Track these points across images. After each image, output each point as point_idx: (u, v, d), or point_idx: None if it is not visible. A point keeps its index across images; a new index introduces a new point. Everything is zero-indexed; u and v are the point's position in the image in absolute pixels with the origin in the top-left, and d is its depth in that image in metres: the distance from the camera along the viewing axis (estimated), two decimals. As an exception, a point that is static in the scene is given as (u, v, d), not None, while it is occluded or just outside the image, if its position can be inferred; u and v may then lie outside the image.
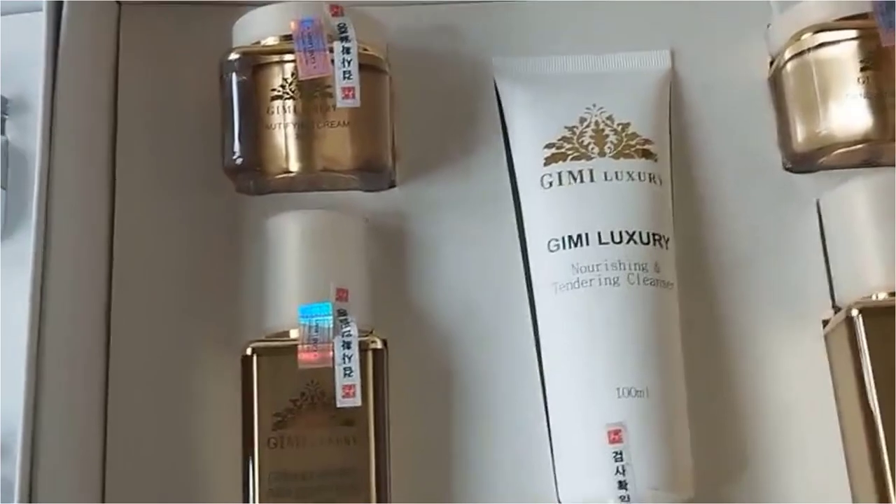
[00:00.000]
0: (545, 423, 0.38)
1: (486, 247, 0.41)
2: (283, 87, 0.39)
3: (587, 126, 0.41)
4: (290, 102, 0.39)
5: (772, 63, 0.43)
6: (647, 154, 0.41)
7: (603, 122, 0.41)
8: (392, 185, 0.42)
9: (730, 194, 0.42)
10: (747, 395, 0.39)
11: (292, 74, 0.38)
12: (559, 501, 0.38)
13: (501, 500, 0.38)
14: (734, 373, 0.40)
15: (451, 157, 0.42)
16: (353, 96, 0.38)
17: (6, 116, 0.40)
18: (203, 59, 0.42)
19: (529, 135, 0.41)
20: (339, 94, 0.38)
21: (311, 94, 0.38)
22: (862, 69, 0.39)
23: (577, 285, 0.38)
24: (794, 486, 0.38)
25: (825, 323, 0.40)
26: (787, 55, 0.41)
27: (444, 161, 0.42)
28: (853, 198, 0.39)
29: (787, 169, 0.42)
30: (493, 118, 0.43)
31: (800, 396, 0.39)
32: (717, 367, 0.40)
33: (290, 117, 0.39)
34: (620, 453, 0.36)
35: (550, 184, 0.40)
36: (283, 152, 0.39)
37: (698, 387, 0.39)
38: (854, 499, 0.38)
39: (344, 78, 0.38)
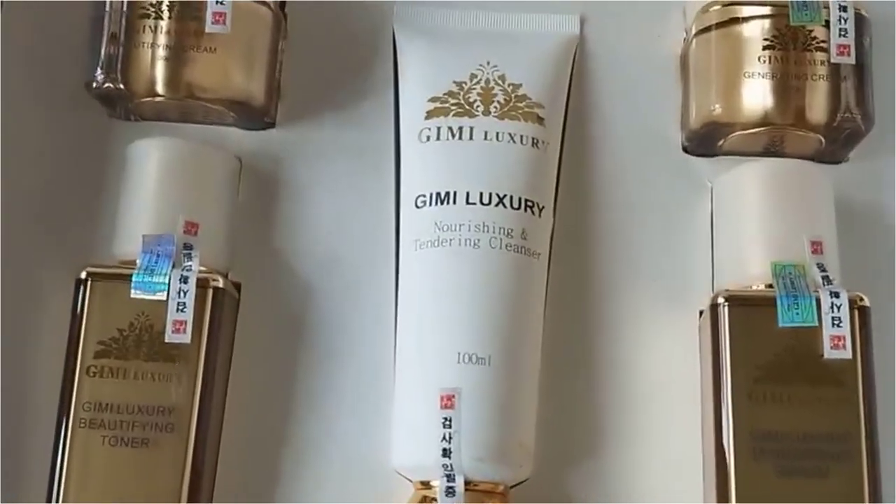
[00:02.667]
0: (392, 384, 0.37)
1: (359, 198, 0.39)
2: (153, 5, 0.37)
3: (476, 83, 0.39)
4: (162, 23, 0.37)
5: (685, 39, 0.41)
6: (534, 118, 0.39)
7: (494, 80, 0.39)
8: (271, 126, 0.40)
9: (623, 170, 0.40)
10: (610, 378, 0.37)
11: (161, -9, 0.37)
12: (393, 467, 0.36)
13: (336, 461, 0.36)
14: (599, 354, 0.38)
15: (338, 104, 0.41)
16: (224, 22, 0.36)
17: None
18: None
19: (417, 87, 0.39)
20: (209, 17, 0.36)
21: (185, 16, 0.37)
22: (765, 48, 0.37)
23: (437, 244, 0.36)
24: (643, 479, 0.36)
25: (702, 314, 0.38)
26: (695, 30, 0.39)
27: (330, 107, 0.40)
28: (742, 181, 0.37)
29: (685, 150, 0.40)
30: (388, 67, 0.41)
31: (665, 385, 0.37)
32: (582, 345, 0.38)
33: (159, 38, 0.37)
34: (450, 420, 0.33)
35: (428, 138, 0.38)
36: (149, 74, 0.37)
37: (557, 364, 0.37)
38: (704, 499, 0.36)
39: (216, 2, 0.36)
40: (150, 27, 0.37)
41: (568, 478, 0.36)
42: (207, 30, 0.36)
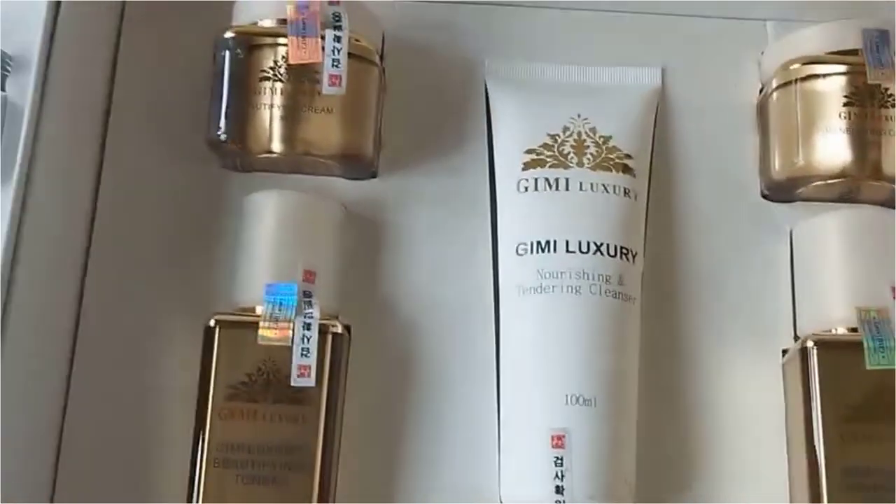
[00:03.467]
0: (496, 422, 0.39)
1: (458, 244, 0.42)
2: (272, 68, 0.39)
3: (569, 135, 0.42)
4: (278, 84, 0.39)
5: (762, 90, 0.43)
6: (625, 168, 0.41)
7: (586, 132, 0.42)
8: (374, 175, 0.43)
9: (705, 216, 0.42)
10: (700, 416, 0.40)
11: (283, 58, 0.39)
12: (500, 500, 0.38)
13: (445, 493, 0.39)
14: (689, 393, 0.40)
15: (434, 153, 0.43)
16: (339, 84, 0.39)
17: (7, 73, 0.42)
18: (203, 35, 0.42)
19: (512, 138, 0.42)
20: (325, 80, 0.38)
21: (300, 79, 0.39)
22: (845, 104, 0.40)
23: (540, 290, 0.39)
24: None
25: (785, 353, 0.40)
26: (775, 83, 0.41)
27: (427, 156, 0.43)
28: (823, 230, 0.39)
29: (764, 197, 0.43)
30: (481, 119, 0.43)
31: (752, 423, 0.40)
32: (673, 385, 0.40)
33: (276, 99, 0.39)
34: (561, 459, 0.36)
35: (526, 189, 0.41)
36: (267, 132, 0.40)
37: (651, 403, 0.40)
38: (793, 529, 0.38)
39: (332, 66, 0.39)
40: (268, 89, 0.39)
41: (665, 509, 0.39)
42: (324, 92, 0.38)
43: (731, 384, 0.40)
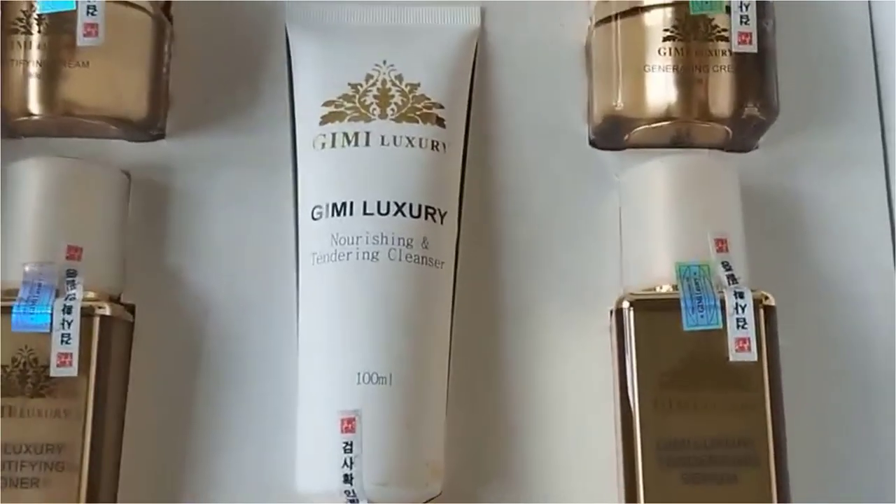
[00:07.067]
0: (295, 407, 0.35)
1: (257, 210, 0.38)
2: (21, 19, 0.35)
3: (373, 84, 0.37)
4: (31, 37, 0.35)
5: (589, 27, 0.40)
6: (433, 119, 0.37)
7: (391, 81, 0.38)
8: (160, 136, 0.39)
9: (529, 169, 0.39)
10: (521, 390, 0.36)
11: (30, 5, 0.35)
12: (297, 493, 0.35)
13: (240, 488, 0.35)
14: (510, 365, 0.37)
15: (230, 110, 0.39)
16: (96, 34, 0.34)
17: None
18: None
19: (311, 90, 0.38)
20: (80, 30, 0.34)
21: (56, 30, 0.35)
22: (665, 39, 0.36)
23: (334, 258, 0.35)
24: (560, 491, 0.35)
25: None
26: (595, 19, 0.38)
27: (222, 114, 0.39)
28: (647, 179, 0.36)
29: (592, 145, 0.39)
30: (282, 69, 0.39)
31: (578, 391, 0.36)
32: (491, 357, 0.37)
33: (31, 54, 0.35)
34: (350, 444, 0.32)
35: (323, 145, 0.37)
36: (23, 92, 0.35)
37: (466, 378, 0.36)
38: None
39: (88, 13, 0.34)
40: (21, 43, 0.35)
41: (482, 491, 0.35)
42: (79, 43, 0.34)
43: (555, 353, 0.37)
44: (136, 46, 0.36)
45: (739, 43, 0.36)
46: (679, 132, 0.38)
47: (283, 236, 0.37)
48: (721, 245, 0.34)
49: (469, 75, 0.39)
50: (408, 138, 0.37)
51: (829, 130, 0.39)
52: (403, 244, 0.35)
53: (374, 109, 0.37)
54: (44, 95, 0.35)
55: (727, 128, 0.37)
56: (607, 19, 0.37)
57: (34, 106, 0.35)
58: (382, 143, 0.36)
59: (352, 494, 0.32)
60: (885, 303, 0.38)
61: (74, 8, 0.34)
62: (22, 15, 0.35)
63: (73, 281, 0.34)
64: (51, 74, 0.35)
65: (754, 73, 0.36)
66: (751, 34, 0.36)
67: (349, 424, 0.33)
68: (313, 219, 0.36)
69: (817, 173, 0.39)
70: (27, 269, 0.34)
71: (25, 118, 0.36)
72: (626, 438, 0.33)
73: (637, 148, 0.38)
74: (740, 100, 0.36)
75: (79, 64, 0.35)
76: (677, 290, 0.34)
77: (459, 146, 0.38)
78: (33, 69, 0.35)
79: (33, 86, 0.35)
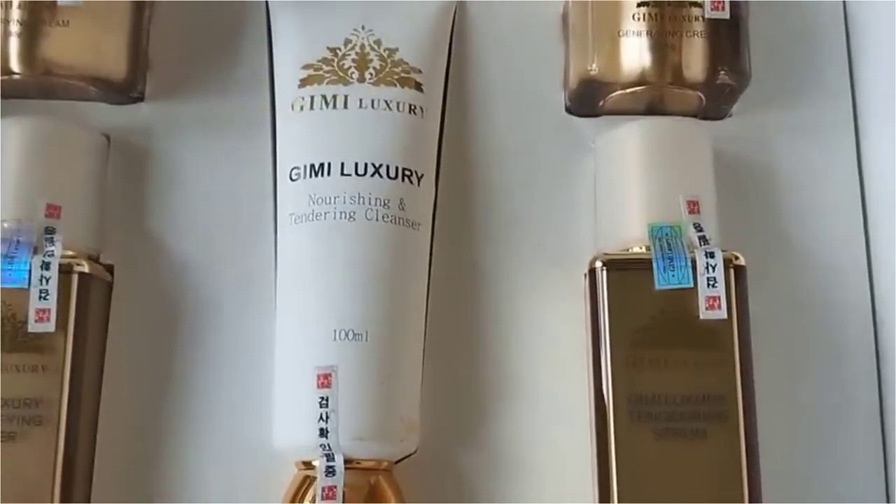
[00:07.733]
0: (272, 364, 0.36)
1: (235, 171, 0.38)
2: (3, -22, 0.36)
3: (351, 48, 0.38)
4: (13, -4, 0.36)
5: (566, -5, 0.41)
6: (411, 83, 0.38)
7: (370, 45, 0.38)
8: (139, 99, 0.39)
9: (506, 133, 0.39)
10: (497, 350, 0.37)
11: (12, -36, 0.35)
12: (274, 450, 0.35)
13: (220, 447, 0.35)
14: (485, 325, 0.37)
15: (210, 73, 0.39)
16: (75, -7, 0.35)
17: None
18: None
19: (291, 54, 0.38)
20: (60, -11, 0.35)
21: (39, -11, 0.35)
22: (640, 4, 0.36)
23: (311, 218, 0.35)
24: (536, 450, 0.36)
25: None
26: (572, -15, 0.39)
27: (202, 76, 0.39)
28: (620, 142, 0.36)
29: (568, 111, 0.39)
30: (262, 33, 0.39)
31: (553, 351, 0.37)
32: (467, 317, 0.37)
33: (12, 12, 0.35)
34: (326, 399, 0.33)
35: (301, 108, 0.37)
36: (3, 51, 0.35)
37: (441, 337, 0.37)
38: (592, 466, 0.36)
39: (67, -27, 0.35)
40: (6, 2, 0.35)
41: (458, 449, 0.36)
42: (60, 3, 0.34)
43: (532, 313, 0.37)
44: (117, 8, 0.36)
45: (712, 9, 0.36)
46: (653, 98, 0.38)
47: (262, 197, 0.38)
48: (693, 207, 0.35)
49: (447, 41, 0.39)
50: (386, 101, 0.37)
51: (800, 98, 0.40)
52: (380, 204, 0.35)
53: (353, 73, 0.37)
54: (24, 54, 0.35)
55: (700, 94, 0.38)
56: (583, -15, 0.38)
57: (14, 65, 0.35)
58: (360, 106, 0.37)
59: (327, 448, 0.33)
60: (854, 266, 0.38)
61: (54, -32, 0.35)
62: (2, -26, 0.36)
63: (52, 238, 0.34)
64: (31, 33, 0.35)
65: (727, 39, 0.36)
66: (724, 1, 0.36)
67: (325, 380, 0.33)
68: (291, 179, 0.36)
69: (789, 140, 0.39)
70: (5, 225, 0.34)
71: (6, 77, 0.36)
72: (597, 395, 0.33)
73: (613, 115, 0.39)
74: (713, 65, 0.36)
75: (59, 23, 0.35)
76: (650, 250, 0.35)
77: (437, 111, 0.38)
78: (14, 28, 0.35)
79: (13, 44, 0.35)
